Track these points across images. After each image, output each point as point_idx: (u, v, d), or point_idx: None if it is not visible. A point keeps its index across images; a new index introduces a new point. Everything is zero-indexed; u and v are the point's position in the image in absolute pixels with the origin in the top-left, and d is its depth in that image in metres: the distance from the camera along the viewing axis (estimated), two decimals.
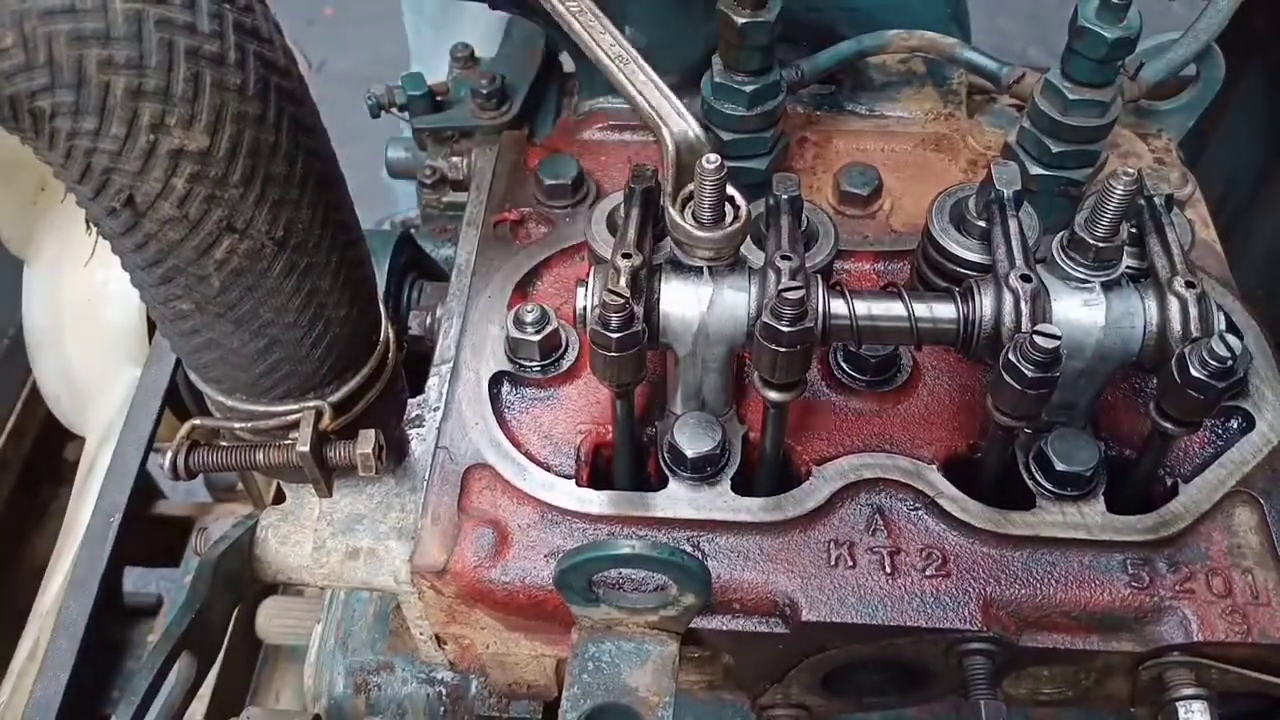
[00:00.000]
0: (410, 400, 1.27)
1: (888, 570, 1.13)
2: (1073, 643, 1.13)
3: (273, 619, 2.04)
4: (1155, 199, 1.14)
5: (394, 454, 1.23)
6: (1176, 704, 1.11)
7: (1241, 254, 1.82)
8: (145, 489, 2.37)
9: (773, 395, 1.04)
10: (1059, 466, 1.14)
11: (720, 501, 1.15)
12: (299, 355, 1.01)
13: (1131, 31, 1.20)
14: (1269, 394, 1.22)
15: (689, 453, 1.15)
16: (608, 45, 1.20)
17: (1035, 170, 1.32)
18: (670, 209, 1.05)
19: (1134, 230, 1.13)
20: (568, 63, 1.75)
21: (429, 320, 1.51)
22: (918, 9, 1.50)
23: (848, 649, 1.14)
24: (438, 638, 1.28)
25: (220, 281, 0.90)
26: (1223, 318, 1.07)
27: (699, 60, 1.56)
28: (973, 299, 1.06)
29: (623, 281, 1.02)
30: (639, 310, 1.00)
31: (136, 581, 2.39)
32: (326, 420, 1.06)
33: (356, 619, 1.60)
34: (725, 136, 1.31)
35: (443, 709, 1.55)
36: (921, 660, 1.16)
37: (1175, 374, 0.98)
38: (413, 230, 2.04)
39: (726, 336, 1.08)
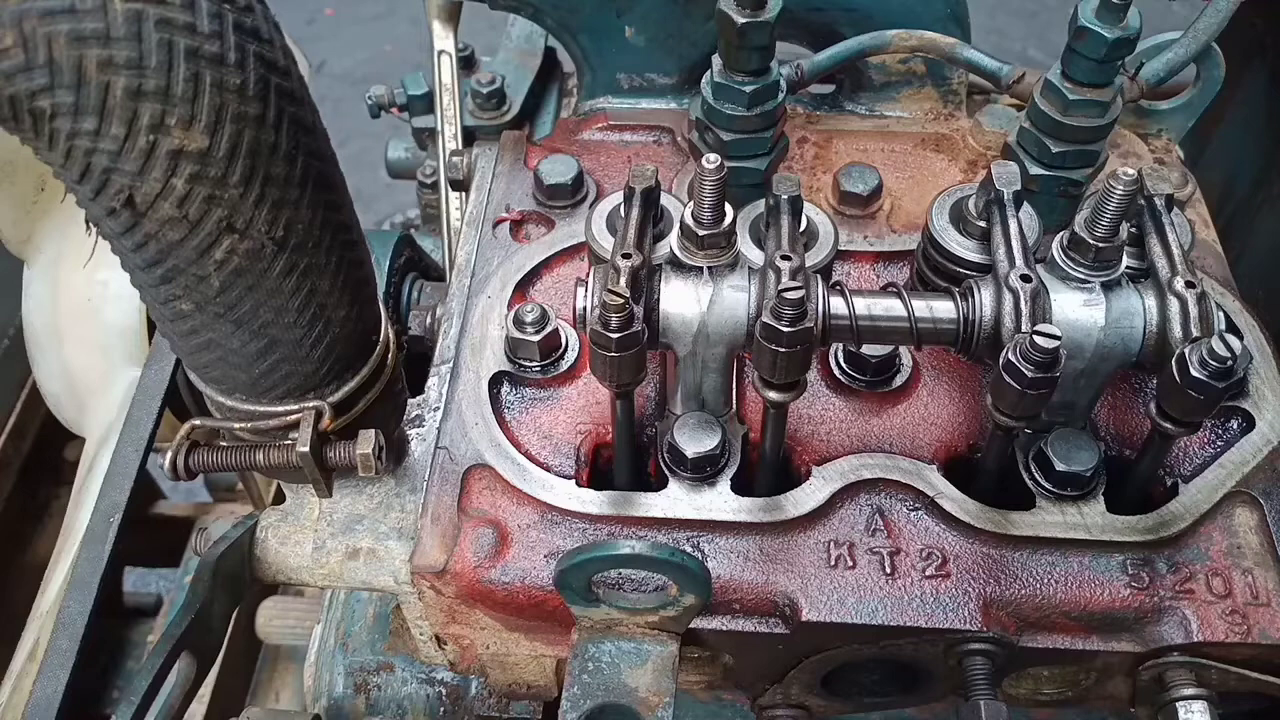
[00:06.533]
0: (410, 400, 1.27)
1: (887, 571, 1.13)
2: (1073, 643, 1.13)
3: (273, 619, 2.04)
4: (1155, 199, 1.14)
5: (394, 454, 1.23)
6: (1176, 704, 1.11)
7: (1241, 254, 1.82)
8: (145, 489, 2.37)
9: (773, 395, 1.04)
10: (1059, 467, 1.14)
11: (720, 502, 1.15)
12: (299, 355, 1.01)
13: (1131, 31, 1.20)
14: (1269, 394, 1.22)
15: (689, 453, 1.15)
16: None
17: (1035, 170, 1.32)
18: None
19: (1134, 230, 1.13)
20: (567, 63, 1.75)
21: (429, 320, 1.51)
22: (918, 9, 1.50)
23: (848, 649, 1.14)
24: (438, 638, 1.28)
25: (220, 281, 0.90)
26: (1223, 318, 1.07)
27: (699, 60, 1.56)
28: (972, 299, 1.06)
29: (623, 281, 1.02)
30: (639, 310, 1.00)
31: (136, 581, 2.40)
32: (326, 420, 1.06)
33: (356, 619, 1.60)
34: (725, 136, 1.31)
35: (443, 709, 1.55)
36: (921, 660, 1.16)
37: (1175, 374, 0.98)
38: (413, 230, 2.05)
39: (726, 336, 1.08)
